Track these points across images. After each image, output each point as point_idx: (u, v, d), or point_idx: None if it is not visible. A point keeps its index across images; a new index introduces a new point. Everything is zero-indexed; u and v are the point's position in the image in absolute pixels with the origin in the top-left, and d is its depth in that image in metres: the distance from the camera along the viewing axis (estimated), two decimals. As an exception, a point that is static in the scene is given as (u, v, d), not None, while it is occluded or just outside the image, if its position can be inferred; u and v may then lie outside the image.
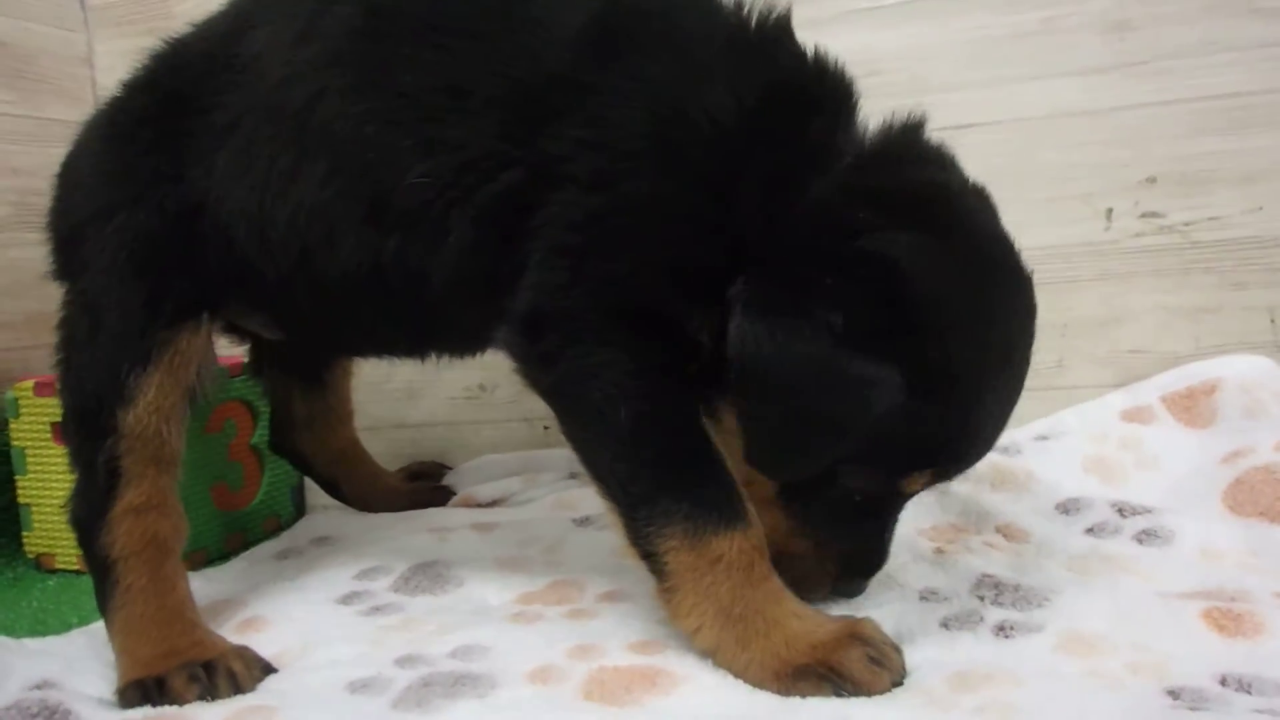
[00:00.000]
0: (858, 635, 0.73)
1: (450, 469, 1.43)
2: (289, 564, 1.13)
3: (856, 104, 0.84)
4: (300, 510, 1.34)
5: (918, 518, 1.06)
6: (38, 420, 1.21)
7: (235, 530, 1.24)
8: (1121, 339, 1.26)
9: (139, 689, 0.79)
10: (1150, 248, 1.24)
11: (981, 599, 0.85)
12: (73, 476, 0.91)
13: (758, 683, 0.73)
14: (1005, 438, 1.22)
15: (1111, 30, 1.22)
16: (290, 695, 0.77)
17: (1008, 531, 1.01)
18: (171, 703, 0.77)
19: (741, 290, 0.73)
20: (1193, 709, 0.64)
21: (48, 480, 1.22)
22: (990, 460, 1.13)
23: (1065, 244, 1.26)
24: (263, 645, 0.87)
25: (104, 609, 0.87)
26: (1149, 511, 1.00)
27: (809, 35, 1.30)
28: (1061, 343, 1.28)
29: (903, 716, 0.66)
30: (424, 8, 0.88)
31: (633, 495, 0.77)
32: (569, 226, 0.80)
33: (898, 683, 0.71)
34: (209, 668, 0.80)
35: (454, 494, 1.35)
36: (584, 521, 1.13)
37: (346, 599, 0.99)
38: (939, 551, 0.98)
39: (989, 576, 0.88)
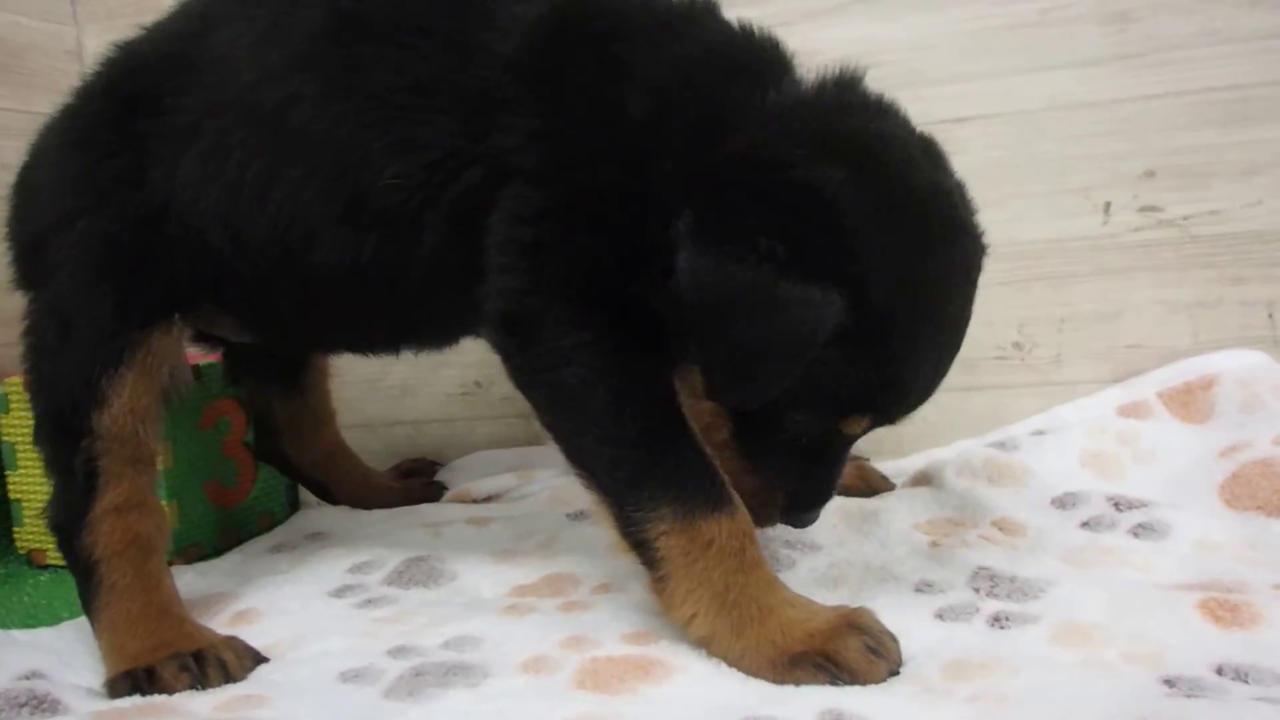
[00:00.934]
0: (855, 624, 0.72)
1: (441, 465, 1.43)
2: (282, 558, 1.13)
3: (789, 67, 0.86)
4: (294, 507, 1.34)
5: (913, 512, 1.06)
6: (28, 416, 1.18)
7: (230, 527, 1.24)
8: (1120, 334, 1.25)
9: (128, 679, 0.79)
10: (1149, 242, 1.23)
11: (977, 591, 0.85)
12: (49, 483, 0.91)
13: (753, 671, 0.72)
14: (1002, 433, 1.24)
15: (1110, 21, 1.22)
16: (281, 685, 0.77)
17: (1004, 525, 1.00)
18: (161, 692, 0.77)
19: (686, 226, 0.73)
20: (1189, 696, 0.63)
21: (38, 476, 1.20)
22: (987, 455, 1.14)
23: (1063, 238, 1.26)
24: (255, 637, 0.86)
25: (89, 609, 0.87)
26: (1145, 505, 0.99)
27: (806, 27, 1.32)
28: (1059, 337, 1.27)
29: (898, 704, 0.66)
30: (387, 9, 0.89)
31: (619, 481, 0.78)
32: (521, 220, 0.82)
33: (894, 672, 0.71)
34: (199, 657, 0.80)
35: (446, 490, 1.35)
36: (578, 516, 1.13)
37: (339, 592, 0.99)
38: (934, 545, 0.97)
39: (985, 569, 0.88)
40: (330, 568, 1.04)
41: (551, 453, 0.80)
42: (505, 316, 0.83)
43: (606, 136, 0.81)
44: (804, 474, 0.83)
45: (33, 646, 0.87)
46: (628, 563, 0.80)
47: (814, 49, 1.30)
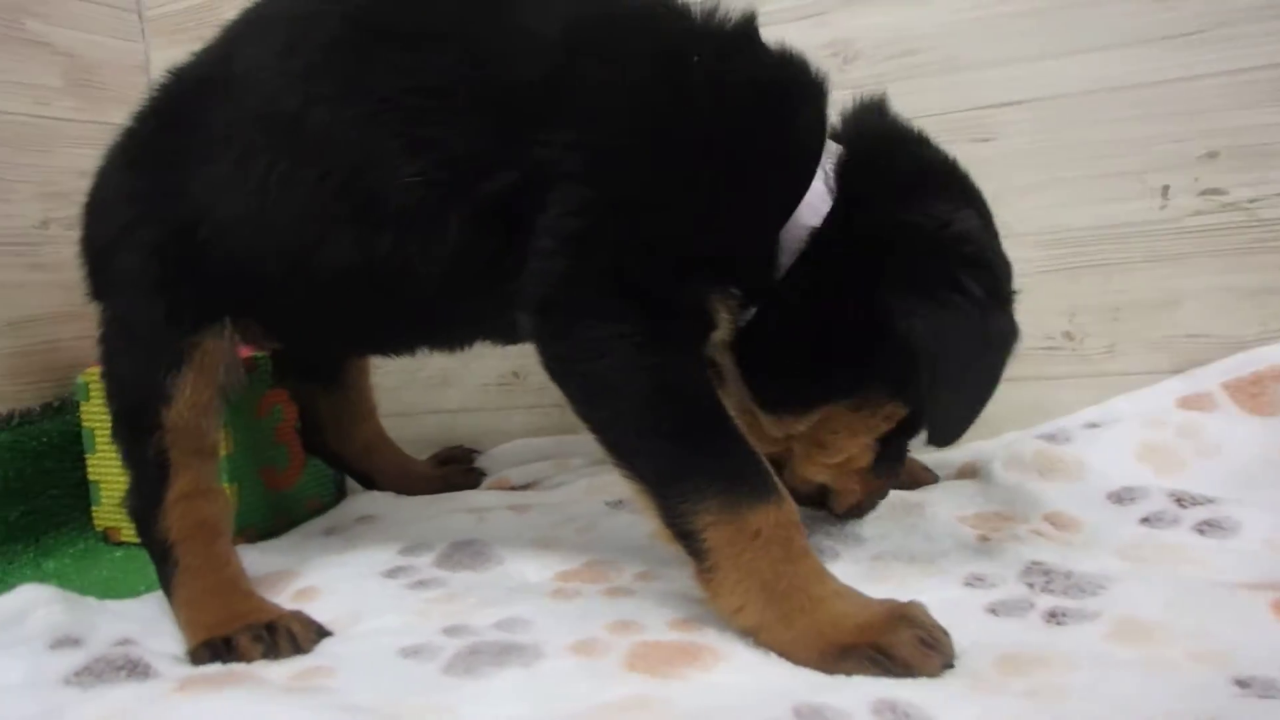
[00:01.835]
0: (906, 617, 0.71)
1: (479, 453, 1.45)
2: (335, 539, 1.15)
3: (829, 92, 0.89)
4: (341, 492, 1.37)
5: (959, 505, 1.04)
6: (105, 404, 1.25)
7: (281, 510, 1.27)
8: (1178, 323, 1.21)
9: (208, 648, 0.83)
10: (1210, 226, 1.19)
11: (1031, 586, 0.83)
12: (127, 476, 0.98)
13: (802, 662, 0.72)
14: (1052, 426, 1.21)
15: (1159, -1, 1.17)
16: (345, 658, 0.80)
17: (1056, 520, 0.98)
18: (239, 660, 0.81)
19: (892, 275, 0.79)
20: (1264, 698, 0.61)
21: (115, 460, 1.24)
22: (1038, 448, 1.11)
23: (1115, 224, 1.22)
24: (316, 613, 0.89)
25: (166, 588, 0.93)
26: (1211, 502, 0.96)
27: (841, 15, 1.30)
28: (1113, 327, 1.24)
29: (951, 696, 0.65)
30: (403, 14, 0.91)
31: (662, 473, 0.77)
32: (567, 213, 0.82)
33: (948, 665, 0.70)
34: (270, 628, 0.83)
35: (485, 476, 1.37)
36: (617, 505, 1.13)
37: (392, 573, 1.01)
38: (983, 539, 0.95)
39: (1038, 564, 0.86)
40: (381, 549, 1.07)
41: (587, 441, 0.81)
42: (543, 302, 0.83)
43: (663, 147, 0.82)
44: (892, 470, 0.95)
45: (122, 615, 0.92)
46: (668, 550, 0.80)
47: (849, 36, 1.30)
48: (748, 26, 0.88)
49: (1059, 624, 0.76)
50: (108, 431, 1.01)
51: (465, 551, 1.02)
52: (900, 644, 0.69)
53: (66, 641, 0.83)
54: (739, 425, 0.80)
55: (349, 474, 1.35)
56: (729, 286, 0.83)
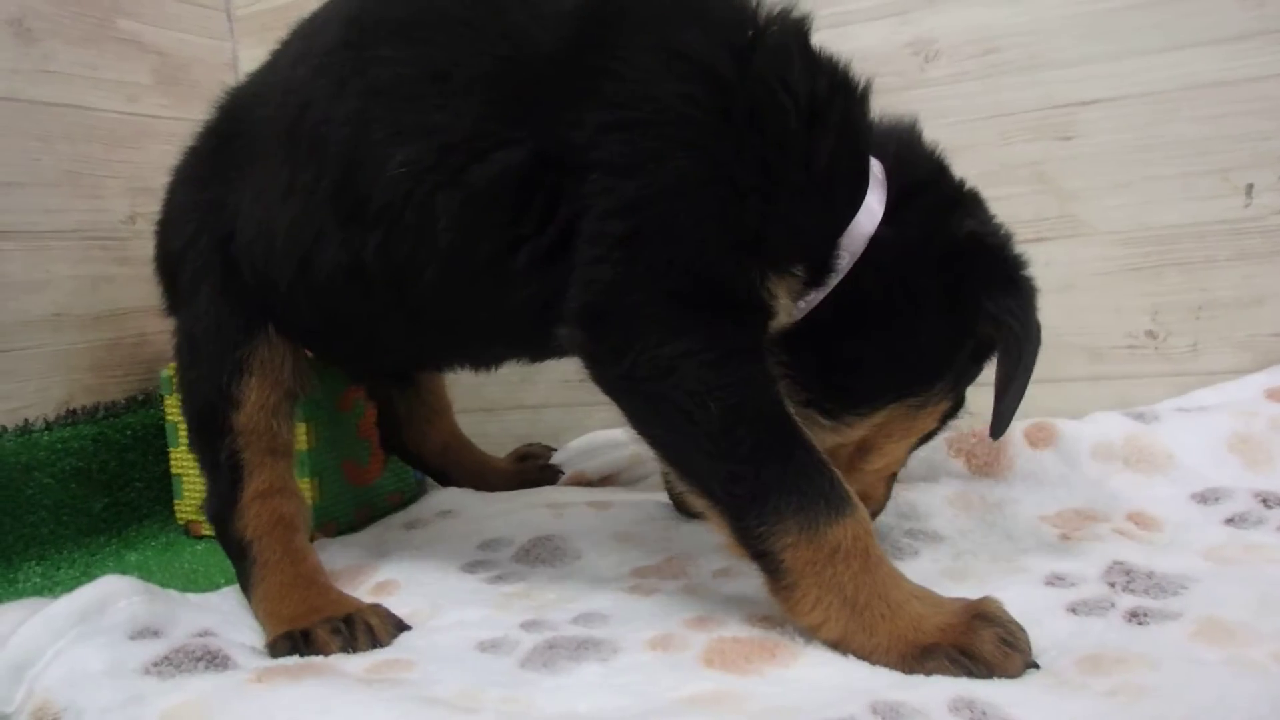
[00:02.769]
0: (984, 615, 0.71)
1: (555, 450, 1.47)
2: (416, 534, 1.18)
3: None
4: (422, 486, 1.40)
5: (1040, 504, 1.03)
6: (189, 398, 1.31)
7: (364, 504, 1.31)
8: (1264, 321, 1.18)
9: (288, 640, 0.85)
10: (1298, 223, 1.16)
11: (1112, 585, 0.82)
12: (203, 480, 1.01)
13: (884, 665, 0.72)
14: (1143, 405, 1.17)
15: (1249, -5, 1.15)
16: (424, 651, 0.81)
17: (1139, 519, 0.97)
18: (317, 653, 0.82)
19: (983, 275, 0.84)
20: (1355, 700, 0.60)
21: (197, 454, 1.33)
22: (1127, 432, 1.08)
23: (1199, 222, 1.19)
24: (395, 606, 0.91)
25: (245, 585, 0.95)
26: (1299, 502, 0.94)
27: (922, 14, 1.29)
28: (1196, 325, 1.21)
29: (1031, 695, 0.65)
30: (398, 8, 0.91)
31: (738, 497, 0.75)
32: (610, 214, 0.77)
33: (1030, 664, 0.70)
34: (349, 622, 0.85)
35: (562, 473, 1.38)
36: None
37: (471, 567, 1.04)
38: (1064, 538, 0.95)
39: (1120, 563, 0.86)
40: (461, 544, 1.10)
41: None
42: (590, 312, 0.78)
43: (719, 126, 0.78)
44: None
45: (202, 607, 0.95)
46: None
47: (931, 36, 1.29)
48: (801, 25, 0.86)
49: (1141, 624, 0.76)
50: (190, 425, 1.04)
51: (544, 546, 1.05)
52: (982, 643, 0.69)
53: (147, 632, 0.83)
54: (807, 433, 0.78)
55: (426, 471, 1.38)
56: (792, 265, 0.80)
